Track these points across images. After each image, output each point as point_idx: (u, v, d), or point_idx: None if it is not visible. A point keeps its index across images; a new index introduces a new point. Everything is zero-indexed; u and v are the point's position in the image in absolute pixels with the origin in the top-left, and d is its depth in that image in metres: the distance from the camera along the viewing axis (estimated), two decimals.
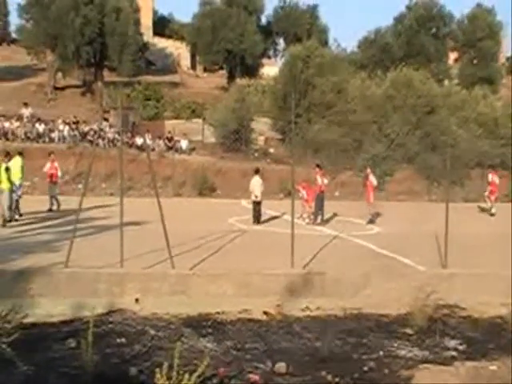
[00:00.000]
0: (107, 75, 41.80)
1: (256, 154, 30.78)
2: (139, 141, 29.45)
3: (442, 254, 11.00)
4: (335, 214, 19.36)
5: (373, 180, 18.55)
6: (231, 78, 46.63)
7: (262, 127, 32.95)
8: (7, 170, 15.42)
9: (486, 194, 21.73)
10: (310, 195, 17.87)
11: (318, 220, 17.71)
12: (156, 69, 52.36)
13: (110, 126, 30.87)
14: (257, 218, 17.51)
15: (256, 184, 17.70)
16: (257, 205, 17.60)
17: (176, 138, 31.12)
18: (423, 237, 14.28)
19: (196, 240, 13.25)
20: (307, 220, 17.94)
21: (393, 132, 29.73)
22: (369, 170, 19.05)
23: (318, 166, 18.30)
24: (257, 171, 18.27)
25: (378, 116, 30.19)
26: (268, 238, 14.85)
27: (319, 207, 17.69)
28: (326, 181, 18.09)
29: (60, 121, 31.05)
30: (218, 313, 9.36)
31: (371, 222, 18.12)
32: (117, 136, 28.18)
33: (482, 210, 22.17)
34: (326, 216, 18.24)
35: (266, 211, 18.53)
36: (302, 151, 27.42)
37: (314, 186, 17.81)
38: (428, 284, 9.97)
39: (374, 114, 30.28)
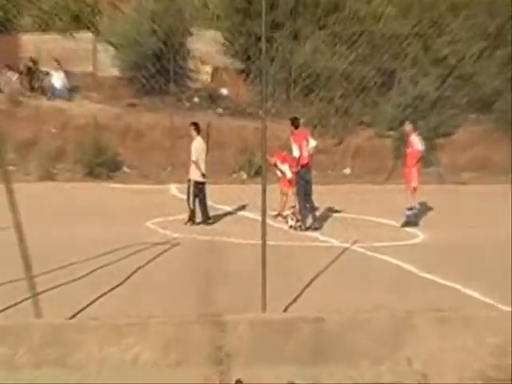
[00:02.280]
0: None
1: (196, 99, 24.11)
2: None
3: None
4: (339, 210, 16.28)
5: (417, 143, 15.10)
6: None
7: (206, 48, 24.87)
8: None
9: None
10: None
11: (309, 220, 14.67)
12: None
13: None
14: (203, 213, 14.46)
15: (199, 150, 14.55)
16: (200, 189, 14.45)
17: (44, 69, 23.91)
18: (501, 249, 11.23)
19: (83, 261, 9.98)
20: (291, 221, 14.52)
21: (451, 53, 22.41)
22: (409, 127, 15.60)
23: (293, 120, 14.79)
24: (197, 129, 15.22)
25: (423, 24, 22.54)
26: (217, 253, 11.98)
27: (304, 195, 14.44)
28: (313, 143, 14.44)
29: None
30: None
31: (410, 222, 14.94)
32: None
33: None
34: (323, 211, 15.64)
35: (215, 205, 15.83)
36: (281, 92, 22.48)
37: (292, 157, 14.97)
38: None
39: (415, 19, 22.55)
